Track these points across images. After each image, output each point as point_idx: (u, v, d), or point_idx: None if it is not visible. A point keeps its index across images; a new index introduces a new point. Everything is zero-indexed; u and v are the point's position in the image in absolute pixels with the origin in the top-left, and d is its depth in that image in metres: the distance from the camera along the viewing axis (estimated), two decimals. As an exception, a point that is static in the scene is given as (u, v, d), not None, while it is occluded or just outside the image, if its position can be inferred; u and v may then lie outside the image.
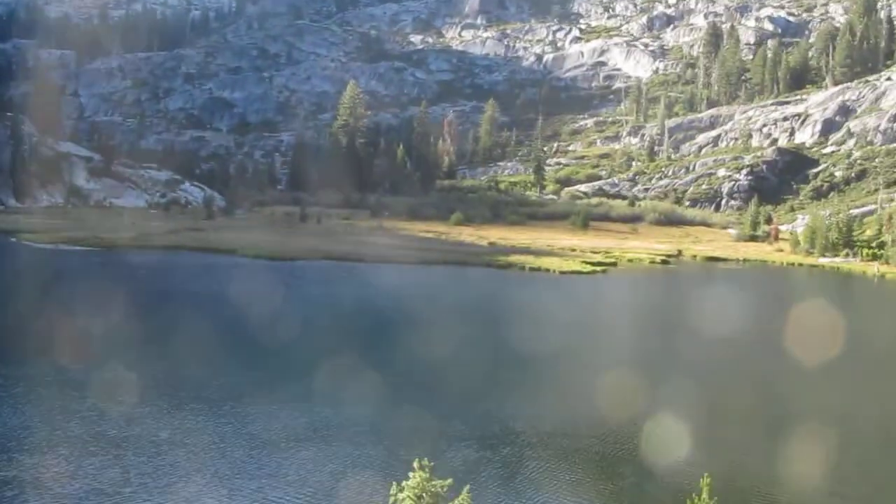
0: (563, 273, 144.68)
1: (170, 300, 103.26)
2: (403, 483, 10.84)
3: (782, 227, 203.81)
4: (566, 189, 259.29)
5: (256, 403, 61.17)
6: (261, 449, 52.41)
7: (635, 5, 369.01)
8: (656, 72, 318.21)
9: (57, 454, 49.98)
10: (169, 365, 68.79)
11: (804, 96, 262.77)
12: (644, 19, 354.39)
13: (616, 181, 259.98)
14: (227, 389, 64.40)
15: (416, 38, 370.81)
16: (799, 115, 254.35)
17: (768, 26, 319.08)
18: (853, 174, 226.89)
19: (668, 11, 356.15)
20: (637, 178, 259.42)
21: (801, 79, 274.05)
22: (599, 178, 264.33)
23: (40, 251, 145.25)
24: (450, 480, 11.14)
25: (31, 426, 54.29)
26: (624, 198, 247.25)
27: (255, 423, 57.29)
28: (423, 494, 10.66)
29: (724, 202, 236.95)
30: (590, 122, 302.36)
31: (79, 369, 67.29)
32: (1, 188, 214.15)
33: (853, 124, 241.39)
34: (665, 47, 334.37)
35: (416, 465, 10.83)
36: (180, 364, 69.24)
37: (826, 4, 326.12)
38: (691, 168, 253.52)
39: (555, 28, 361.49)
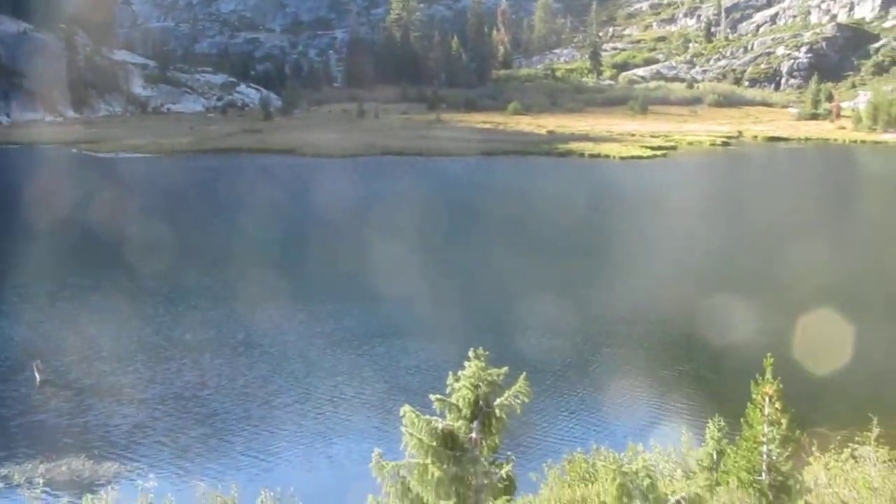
0: (623, 159, 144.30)
1: (237, 204, 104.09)
2: (460, 373, 11.30)
3: (844, 105, 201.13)
4: (623, 74, 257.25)
5: (329, 302, 62.07)
6: (334, 347, 53.35)
7: None
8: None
9: (134, 360, 51.12)
10: (240, 268, 69.76)
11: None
12: None
13: (673, 64, 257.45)
14: (298, 290, 65.31)
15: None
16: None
17: None
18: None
19: None
20: (695, 60, 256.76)
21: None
22: (657, 61, 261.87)
23: (102, 161, 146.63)
24: (505, 369, 11.58)
25: (107, 334, 55.42)
26: (682, 80, 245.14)
27: (327, 322, 58.22)
28: (480, 384, 11.11)
29: (783, 81, 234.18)
30: (645, 4, 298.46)
31: (150, 277, 68.53)
32: (58, 99, 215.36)
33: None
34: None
35: (471, 354, 11.26)
36: (251, 267, 70.19)
37: None
38: (749, 48, 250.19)
39: None
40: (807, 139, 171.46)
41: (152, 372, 49.48)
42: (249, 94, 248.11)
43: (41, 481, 31.67)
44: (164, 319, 58.47)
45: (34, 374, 47.64)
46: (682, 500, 13.04)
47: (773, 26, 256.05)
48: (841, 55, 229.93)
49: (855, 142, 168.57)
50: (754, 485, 26.42)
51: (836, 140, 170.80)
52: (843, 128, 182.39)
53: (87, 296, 63.56)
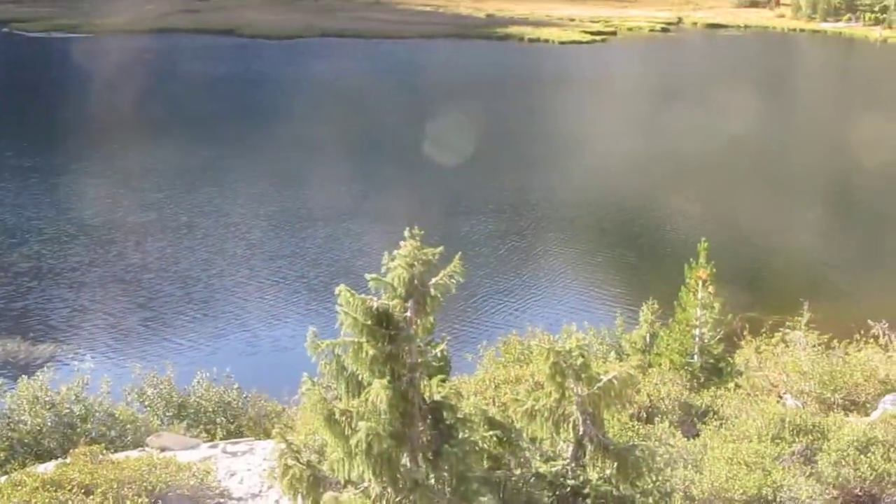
0: (562, 43, 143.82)
1: (180, 85, 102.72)
2: (395, 252, 11.35)
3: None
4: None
5: (272, 185, 61.81)
6: (277, 230, 53.36)
7: None
8: None
9: (74, 243, 50.89)
10: (182, 149, 69.33)
11: None
12: None
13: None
14: (241, 171, 65.10)
15: None
16: None
17: None
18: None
19: None
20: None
21: None
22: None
23: (35, 41, 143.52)
24: (440, 248, 11.62)
25: (46, 215, 55.06)
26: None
27: (270, 204, 58.16)
28: (415, 263, 11.17)
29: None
30: None
31: (91, 158, 68.00)
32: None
33: None
34: None
35: (407, 234, 11.29)
36: (193, 148, 69.77)
37: None
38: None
39: None
40: (746, 27, 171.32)
41: (93, 255, 49.24)
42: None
43: (-26, 363, 31.69)
44: (105, 201, 58.01)
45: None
46: (614, 379, 13.27)
47: None
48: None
49: (794, 30, 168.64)
50: (686, 367, 26.93)
51: (774, 28, 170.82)
52: (783, 16, 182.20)
53: (26, 177, 62.95)
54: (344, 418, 11.55)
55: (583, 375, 13.39)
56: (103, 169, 65.47)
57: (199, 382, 25.59)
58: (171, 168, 65.48)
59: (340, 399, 11.92)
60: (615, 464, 13.55)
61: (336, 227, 53.64)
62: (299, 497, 12.00)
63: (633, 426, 18.08)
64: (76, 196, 58.87)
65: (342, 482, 11.89)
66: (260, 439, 21.11)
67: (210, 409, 25.03)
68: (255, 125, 79.21)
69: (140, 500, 15.10)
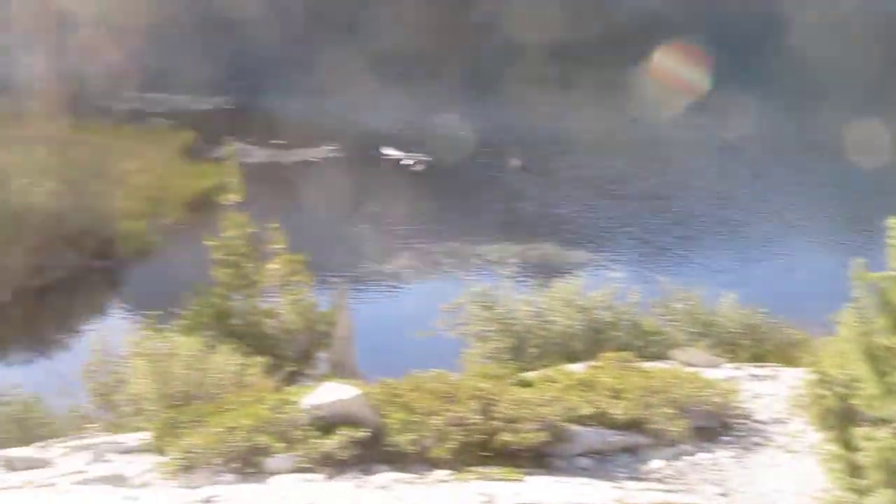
0: None
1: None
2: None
3: None
4: None
5: (823, 111, 59.61)
6: (825, 156, 51.66)
7: None
8: None
9: (616, 155, 51.72)
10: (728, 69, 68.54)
11: None
12: None
13: None
14: (794, 94, 63.38)
15: None
16: None
17: None
18: None
19: None
20: None
21: None
22: None
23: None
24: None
25: (588, 127, 56.27)
26: None
27: (819, 130, 56.09)
28: None
29: None
30: None
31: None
32: None
33: None
34: None
35: None
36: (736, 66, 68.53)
37: None
38: None
39: None
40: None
41: (634, 168, 50.07)
42: None
43: (514, 260, 33.17)
44: (650, 119, 58.54)
45: (511, 161, 49.55)
46: None
47: None
48: None
49: None
50: None
51: None
52: None
53: (566, 89, 64.60)
54: (886, 354, 11.21)
55: None
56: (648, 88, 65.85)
57: (725, 303, 25.52)
58: (715, 89, 64.99)
59: (880, 335, 11.56)
60: None
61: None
62: (828, 429, 11.79)
63: None
64: (620, 111, 59.87)
65: (874, 420, 11.58)
66: (783, 367, 20.82)
67: (735, 331, 24.91)
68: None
69: (665, 410, 15.37)
